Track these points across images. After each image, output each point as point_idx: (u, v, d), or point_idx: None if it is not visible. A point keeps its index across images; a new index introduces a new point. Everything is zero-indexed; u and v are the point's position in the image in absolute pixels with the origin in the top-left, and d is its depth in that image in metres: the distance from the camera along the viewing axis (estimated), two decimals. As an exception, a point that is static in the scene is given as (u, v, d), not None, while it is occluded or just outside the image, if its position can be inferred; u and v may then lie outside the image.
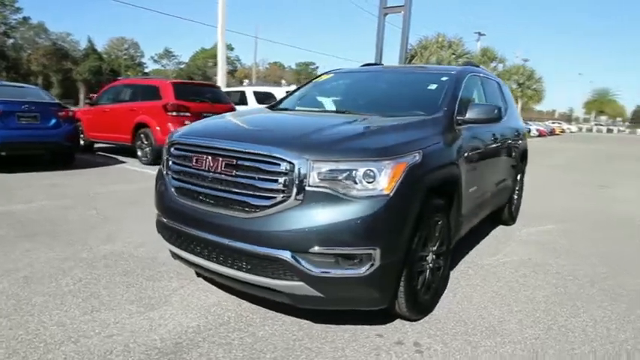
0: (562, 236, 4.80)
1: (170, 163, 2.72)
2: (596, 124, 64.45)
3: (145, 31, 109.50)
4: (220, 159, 2.36)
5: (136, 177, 7.37)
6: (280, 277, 2.23)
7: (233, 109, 9.48)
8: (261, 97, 11.12)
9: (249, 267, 2.30)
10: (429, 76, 3.81)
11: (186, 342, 2.33)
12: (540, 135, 37.16)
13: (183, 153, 2.62)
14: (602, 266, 3.83)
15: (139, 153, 8.80)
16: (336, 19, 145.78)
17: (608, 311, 2.94)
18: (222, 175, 2.37)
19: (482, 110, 3.12)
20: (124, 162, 8.91)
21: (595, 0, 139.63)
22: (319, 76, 4.28)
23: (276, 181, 2.22)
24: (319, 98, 3.83)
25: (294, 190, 2.17)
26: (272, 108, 3.81)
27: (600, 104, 63.72)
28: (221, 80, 16.53)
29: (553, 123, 52.63)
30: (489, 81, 4.38)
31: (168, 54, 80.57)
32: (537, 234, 4.86)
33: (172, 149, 2.72)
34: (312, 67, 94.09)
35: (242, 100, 11.18)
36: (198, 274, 3.19)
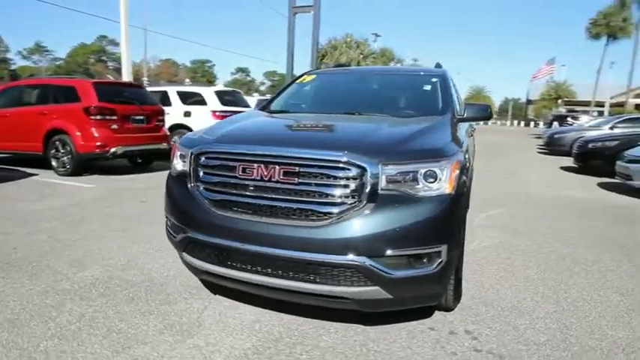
0: (511, 218, 5.41)
1: (201, 174, 2.49)
2: (472, 117, 72.91)
3: (8, 23, 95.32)
4: (277, 167, 2.23)
5: (62, 191, 6.45)
6: (353, 284, 2.20)
7: (162, 111, 8.83)
8: (186, 97, 10.47)
9: (316, 277, 2.22)
10: (415, 77, 4.01)
11: (254, 365, 2.17)
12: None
13: (221, 162, 2.41)
14: (558, 243, 4.42)
15: (55, 163, 7.69)
16: (237, 17, 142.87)
17: (589, 280, 3.42)
18: (280, 184, 2.24)
19: (478, 109, 3.39)
20: (34, 174, 7.69)
21: (469, 4, 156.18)
22: (300, 77, 4.21)
23: (346, 186, 2.18)
24: (317, 99, 3.77)
25: (366, 195, 2.16)
26: (266, 110, 3.65)
27: (477, 99, 72.21)
28: (126, 79, 15.14)
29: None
30: (452, 80, 4.73)
31: (40, 49, 71.26)
32: (491, 218, 5.40)
33: (202, 159, 2.49)
34: (209, 64, 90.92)
35: (164, 100, 10.38)
36: (215, 292, 2.97)
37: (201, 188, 2.48)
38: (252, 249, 2.29)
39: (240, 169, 2.32)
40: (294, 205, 2.23)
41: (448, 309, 2.74)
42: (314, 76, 4.12)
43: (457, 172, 2.35)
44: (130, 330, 2.47)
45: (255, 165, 2.28)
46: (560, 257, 3.95)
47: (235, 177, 2.35)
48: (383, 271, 2.15)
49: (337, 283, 2.21)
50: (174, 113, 10.16)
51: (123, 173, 8.17)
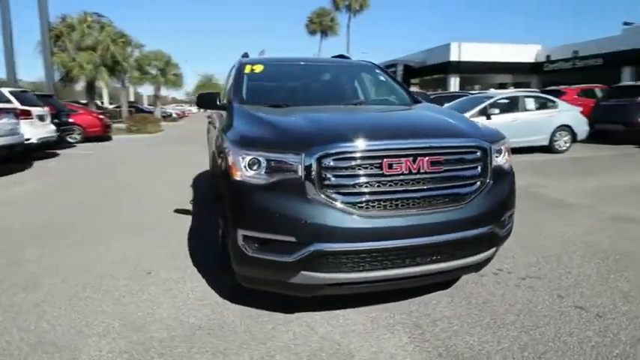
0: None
1: (331, 178, 2.22)
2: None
3: None
4: (425, 158, 2.30)
5: None
6: (482, 251, 2.54)
7: None
8: None
9: (459, 254, 2.44)
10: (366, 68, 4.25)
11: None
12: (179, 117, 40.35)
13: (361, 162, 2.24)
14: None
15: None
16: None
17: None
18: (428, 174, 2.33)
19: (423, 95, 4.09)
20: None
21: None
22: (244, 68, 3.78)
23: (476, 167, 2.48)
24: (301, 91, 3.57)
25: (488, 172, 2.53)
26: (253, 105, 3.24)
27: (208, 87, 74.49)
28: None
29: (177, 107, 57.94)
30: None
31: None
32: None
33: (330, 161, 2.22)
34: None
35: None
36: (292, 310, 2.65)
37: (333, 193, 2.23)
38: (403, 244, 2.29)
39: (387, 165, 2.25)
40: (441, 192, 2.37)
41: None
42: (262, 66, 3.83)
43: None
44: (286, 378, 2.04)
45: (403, 159, 2.27)
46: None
47: (381, 174, 2.26)
48: (499, 234, 2.60)
49: (473, 254, 2.50)
50: None
51: None
